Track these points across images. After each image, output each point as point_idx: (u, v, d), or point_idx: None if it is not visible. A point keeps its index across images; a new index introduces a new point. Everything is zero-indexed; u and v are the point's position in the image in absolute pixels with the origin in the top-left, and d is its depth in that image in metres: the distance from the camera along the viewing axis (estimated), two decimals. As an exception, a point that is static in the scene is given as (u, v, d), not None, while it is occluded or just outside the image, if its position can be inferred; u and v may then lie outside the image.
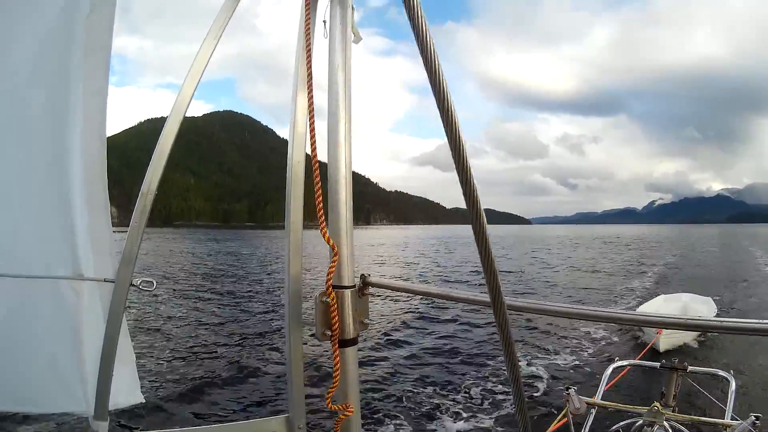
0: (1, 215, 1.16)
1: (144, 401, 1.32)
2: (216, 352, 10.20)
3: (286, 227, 1.20)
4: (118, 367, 1.16)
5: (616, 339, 10.06)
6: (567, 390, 2.74)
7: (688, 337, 8.86)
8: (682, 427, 2.48)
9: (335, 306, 1.13)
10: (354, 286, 1.20)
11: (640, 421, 2.46)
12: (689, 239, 69.58)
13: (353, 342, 1.21)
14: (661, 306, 10.70)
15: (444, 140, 0.80)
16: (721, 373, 3.07)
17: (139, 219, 1.10)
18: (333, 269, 1.14)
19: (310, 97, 1.17)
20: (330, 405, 1.20)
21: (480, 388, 7.66)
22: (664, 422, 2.42)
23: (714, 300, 10.74)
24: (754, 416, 2.27)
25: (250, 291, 19.53)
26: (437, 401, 7.16)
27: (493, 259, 0.81)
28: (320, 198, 1.15)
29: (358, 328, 1.21)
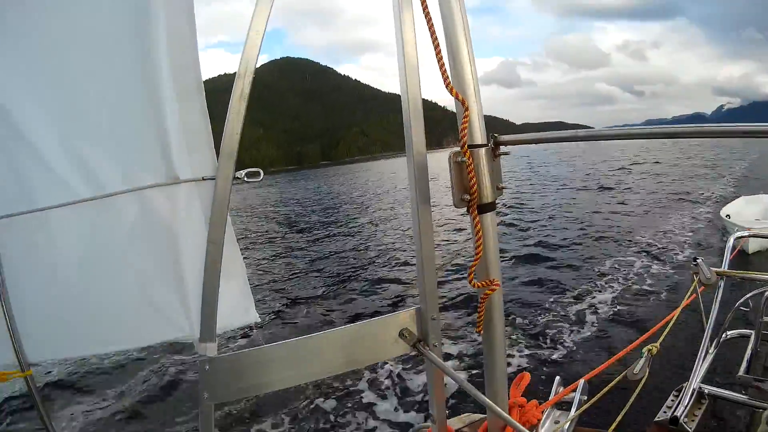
0: (82, 130, 1.01)
1: (260, 320, 1.14)
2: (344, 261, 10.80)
3: (402, 96, 1.04)
4: (225, 280, 1.00)
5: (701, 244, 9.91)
6: (695, 261, 2.44)
7: None
8: None
9: (471, 166, 1.01)
10: (488, 145, 1.07)
11: None
12: (764, 143, 61.88)
13: (491, 207, 1.08)
14: (743, 207, 10.13)
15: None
16: None
17: (238, 104, 0.95)
18: (465, 126, 1.01)
19: None
20: (473, 283, 1.08)
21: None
22: None
23: None
24: None
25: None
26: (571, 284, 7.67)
27: None
28: (438, 50, 1.01)
29: (495, 193, 1.08)
